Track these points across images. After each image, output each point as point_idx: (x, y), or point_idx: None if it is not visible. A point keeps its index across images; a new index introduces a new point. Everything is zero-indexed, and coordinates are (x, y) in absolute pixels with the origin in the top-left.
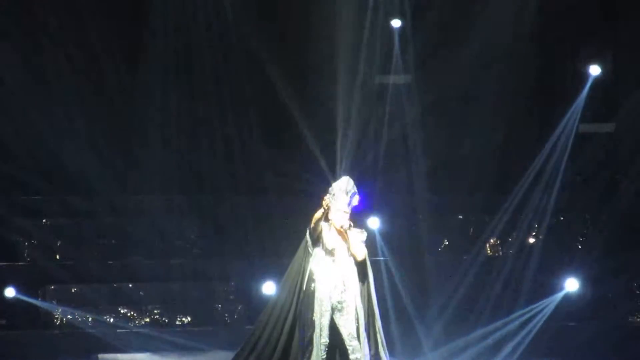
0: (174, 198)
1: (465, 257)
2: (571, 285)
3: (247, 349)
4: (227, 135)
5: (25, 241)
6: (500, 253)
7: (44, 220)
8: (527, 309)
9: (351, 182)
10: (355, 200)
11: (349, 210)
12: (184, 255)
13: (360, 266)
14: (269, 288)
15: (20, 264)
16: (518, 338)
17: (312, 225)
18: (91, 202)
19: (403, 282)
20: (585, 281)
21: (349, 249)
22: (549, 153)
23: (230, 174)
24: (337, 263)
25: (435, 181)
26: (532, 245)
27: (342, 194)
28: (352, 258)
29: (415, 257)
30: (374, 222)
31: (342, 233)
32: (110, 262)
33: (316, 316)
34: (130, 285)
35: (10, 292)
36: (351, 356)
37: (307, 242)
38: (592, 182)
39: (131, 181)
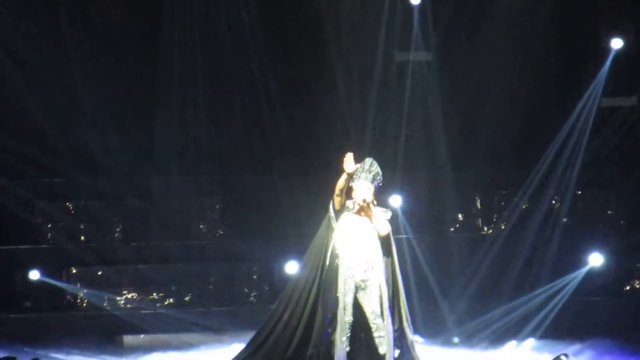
0: (197, 179)
1: (488, 233)
2: (595, 260)
3: (268, 326)
4: (249, 115)
5: (49, 224)
6: (524, 229)
7: (67, 203)
8: (551, 285)
9: (375, 163)
10: (379, 181)
11: (372, 190)
12: (207, 236)
13: (384, 243)
14: (292, 268)
15: (44, 246)
16: (542, 314)
17: (335, 195)
18: (115, 184)
19: (426, 259)
20: (610, 256)
21: (372, 226)
22: (571, 127)
23: (252, 154)
24: (361, 240)
25: (457, 157)
26: (555, 220)
27: (365, 174)
28: (375, 235)
29: (437, 234)
30: (396, 200)
31: (365, 210)
32: (134, 244)
33: (340, 294)
34: (153, 267)
35: (34, 274)
36: (375, 334)
37: (330, 216)
38: (615, 156)
39: (155, 162)
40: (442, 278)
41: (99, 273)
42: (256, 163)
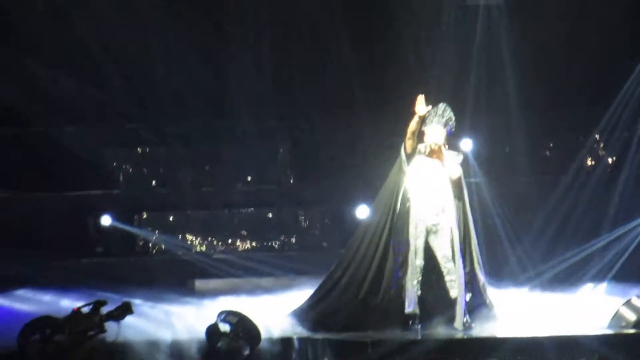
0: (268, 123)
1: (559, 177)
2: None
3: (339, 271)
4: (321, 57)
5: (120, 169)
6: (596, 170)
7: (138, 148)
8: (624, 227)
9: (448, 109)
10: (451, 126)
11: (444, 134)
12: (278, 181)
13: (455, 187)
14: (363, 212)
15: (115, 192)
16: (615, 257)
17: (407, 138)
18: (185, 128)
19: (497, 203)
20: None
21: (443, 169)
22: None
23: (323, 98)
24: (432, 184)
25: (528, 100)
26: (629, 161)
27: (438, 118)
28: (447, 179)
29: (507, 178)
30: (467, 144)
31: (437, 153)
32: (205, 189)
33: (411, 237)
34: (224, 212)
35: (106, 220)
36: (446, 277)
37: (401, 159)
38: None
39: (225, 106)
40: (512, 222)
41: (171, 218)
42: (327, 107)
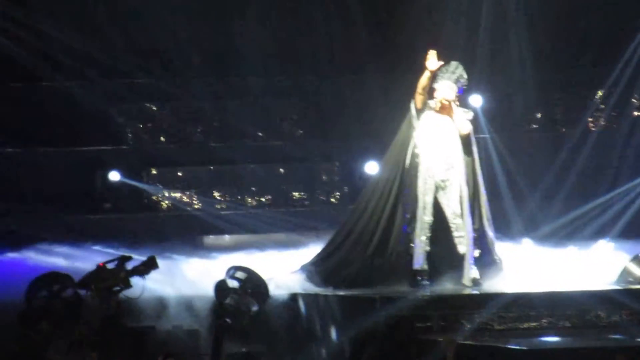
0: (278, 79)
1: (568, 133)
2: None
3: (348, 227)
4: (329, 15)
5: (128, 125)
6: (604, 128)
7: (147, 104)
8: (630, 183)
9: (460, 66)
10: (462, 83)
11: (455, 90)
12: (288, 137)
13: (465, 143)
14: (372, 168)
15: (124, 147)
16: (621, 212)
17: (417, 93)
18: (193, 85)
19: (506, 159)
20: None
21: (453, 125)
22: None
23: (331, 54)
24: (442, 140)
25: (537, 57)
26: (636, 118)
27: (449, 75)
28: (456, 135)
29: (517, 133)
30: (477, 100)
31: (447, 109)
32: (213, 145)
33: (420, 193)
34: (233, 167)
35: (114, 175)
36: (455, 233)
37: (411, 115)
38: None
39: (233, 63)
40: (522, 178)
41: (179, 174)
42: (336, 63)
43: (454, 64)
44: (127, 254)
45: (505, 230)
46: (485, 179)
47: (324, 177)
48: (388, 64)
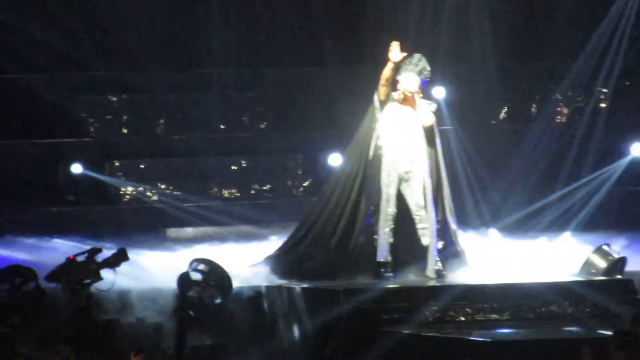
0: (239, 71)
1: (532, 125)
2: (638, 150)
3: (310, 219)
4: (292, 7)
5: (90, 117)
6: (567, 119)
7: (109, 96)
8: (593, 175)
9: (423, 59)
10: (425, 75)
11: (418, 82)
12: (250, 129)
13: (428, 135)
14: (335, 160)
15: (86, 139)
16: (585, 203)
17: (381, 84)
18: (155, 77)
19: (469, 150)
20: None
21: (417, 117)
22: (619, 15)
23: (294, 45)
24: (405, 132)
25: (501, 49)
26: (598, 110)
27: (412, 67)
28: (420, 127)
29: (480, 125)
30: (440, 92)
31: (410, 100)
32: (176, 137)
33: (383, 185)
34: (196, 160)
35: (77, 168)
36: (418, 225)
37: (374, 106)
38: None
39: (196, 54)
40: (485, 170)
41: (142, 166)
42: (299, 55)
43: (417, 56)
44: (97, 247)
45: (468, 221)
46: (449, 171)
47: (287, 169)
48: (351, 56)
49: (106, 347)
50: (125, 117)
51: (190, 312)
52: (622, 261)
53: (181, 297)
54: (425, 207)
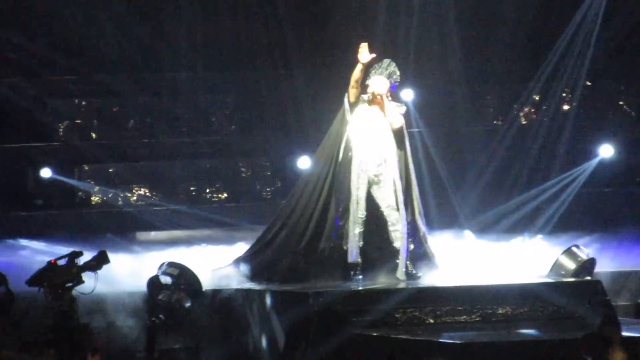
0: (209, 75)
1: (499, 126)
2: (606, 151)
3: (279, 221)
4: (259, 10)
5: (59, 122)
6: (535, 121)
7: (77, 100)
8: (561, 177)
9: (393, 63)
10: (395, 79)
11: (387, 85)
12: (219, 132)
13: (398, 137)
14: (305, 162)
15: (55, 144)
16: (553, 205)
17: (350, 86)
18: (123, 82)
19: (438, 152)
20: (620, 147)
21: (386, 119)
22: (582, 18)
23: (264, 49)
24: (375, 134)
25: (469, 51)
26: (566, 112)
27: (382, 70)
28: (389, 129)
29: (449, 127)
30: (409, 94)
31: (379, 103)
32: (146, 140)
33: (353, 187)
34: (165, 163)
35: (46, 172)
36: (390, 228)
37: (344, 109)
38: (626, 46)
39: (164, 58)
40: (453, 171)
41: (111, 170)
42: (267, 58)
43: (386, 60)
44: (77, 250)
45: (437, 223)
46: (417, 173)
47: (256, 172)
48: (320, 58)
49: (74, 351)
50: (94, 122)
51: (160, 316)
52: (591, 262)
53: (151, 300)
54: (397, 208)
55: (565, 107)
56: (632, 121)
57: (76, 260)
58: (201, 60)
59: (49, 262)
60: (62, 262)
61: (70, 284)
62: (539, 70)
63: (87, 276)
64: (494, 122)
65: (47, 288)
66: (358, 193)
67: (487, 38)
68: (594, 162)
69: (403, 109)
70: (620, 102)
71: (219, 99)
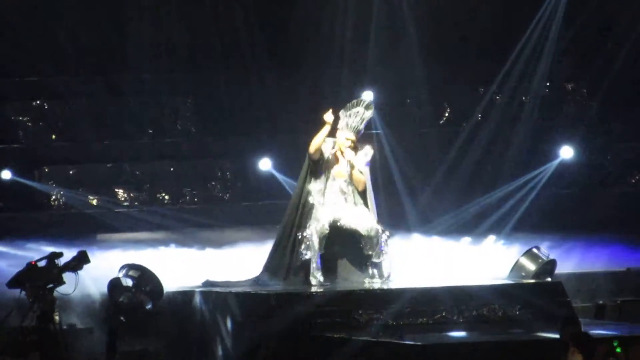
0: (170, 76)
1: (458, 128)
2: (566, 152)
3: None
4: (223, 12)
5: (20, 123)
6: (494, 122)
7: (38, 101)
8: (522, 178)
9: (369, 109)
10: (365, 126)
11: (356, 137)
12: (180, 133)
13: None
14: (265, 164)
15: (15, 145)
16: (513, 207)
17: (312, 150)
18: (85, 82)
19: (396, 154)
20: (581, 148)
21: (350, 175)
22: (543, 20)
23: (226, 50)
24: (336, 187)
25: (429, 52)
26: (527, 114)
27: (353, 119)
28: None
29: (408, 129)
30: (369, 95)
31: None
32: (107, 142)
33: (315, 232)
34: (126, 165)
35: (6, 174)
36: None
37: (307, 164)
38: (586, 49)
39: (127, 59)
40: (411, 173)
41: (71, 172)
42: (230, 59)
43: (364, 101)
44: (57, 251)
45: (396, 225)
46: (379, 174)
47: (217, 174)
48: (282, 60)
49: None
50: (54, 123)
51: (121, 318)
52: (552, 264)
53: (112, 302)
54: (363, 215)
55: (526, 109)
56: (592, 123)
57: (56, 261)
58: (164, 61)
59: (29, 264)
60: (42, 263)
61: (51, 285)
62: (499, 72)
63: (67, 276)
64: (455, 124)
65: (29, 289)
66: (321, 234)
67: (447, 39)
68: (555, 163)
69: (369, 155)
70: (582, 104)
71: (181, 100)
